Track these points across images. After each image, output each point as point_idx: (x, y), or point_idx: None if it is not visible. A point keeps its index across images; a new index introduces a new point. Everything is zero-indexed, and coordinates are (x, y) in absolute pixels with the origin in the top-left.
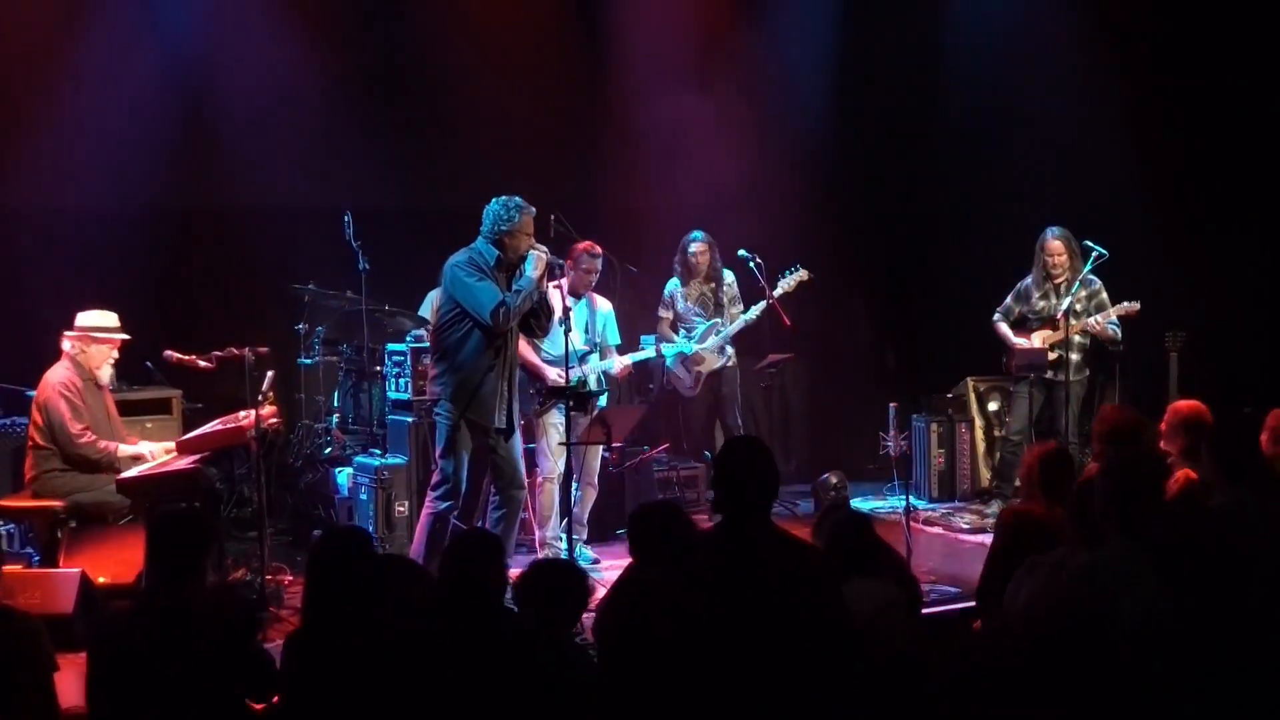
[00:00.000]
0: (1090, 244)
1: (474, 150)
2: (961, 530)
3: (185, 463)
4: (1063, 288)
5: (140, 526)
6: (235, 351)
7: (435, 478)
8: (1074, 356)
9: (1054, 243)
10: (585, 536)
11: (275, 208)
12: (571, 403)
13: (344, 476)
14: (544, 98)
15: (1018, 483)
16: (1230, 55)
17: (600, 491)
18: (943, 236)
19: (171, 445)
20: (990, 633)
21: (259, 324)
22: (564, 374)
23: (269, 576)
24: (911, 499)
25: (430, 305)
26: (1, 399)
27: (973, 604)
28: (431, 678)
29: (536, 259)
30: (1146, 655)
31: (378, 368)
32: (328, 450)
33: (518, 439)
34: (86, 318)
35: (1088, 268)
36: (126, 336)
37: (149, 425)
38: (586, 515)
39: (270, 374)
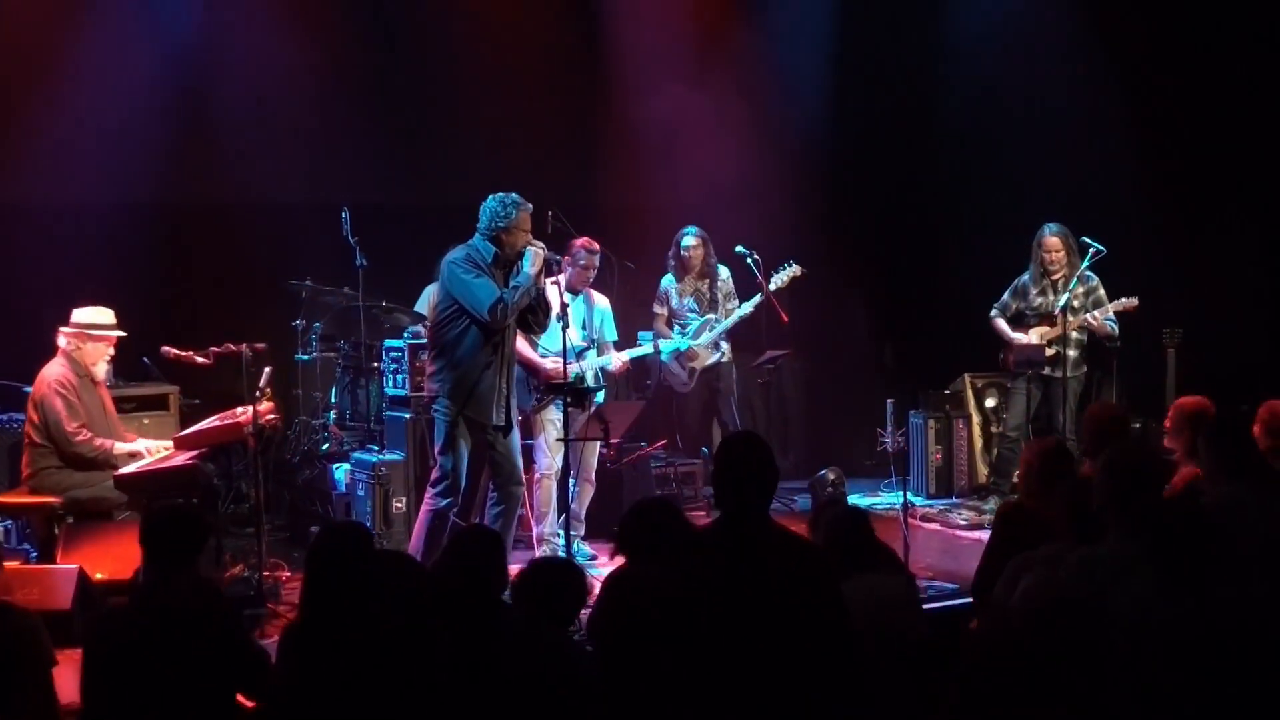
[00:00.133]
0: (1088, 240)
1: (472, 146)
2: (959, 526)
3: (183, 459)
4: (1060, 284)
5: (138, 522)
6: (232, 347)
7: (435, 474)
8: (1071, 353)
9: (1051, 239)
10: (583, 532)
11: (273, 204)
12: (569, 399)
13: (341, 472)
14: (542, 94)
15: (1015, 479)
16: (1229, 55)
17: (598, 487)
18: (940, 233)
19: (169, 442)
20: (986, 629)
21: (256, 320)
22: (561, 364)
23: (266, 572)
24: (909, 495)
25: (427, 301)
26: None
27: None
28: (428, 674)
29: (534, 255)
30: (1143, 651)
31: (375, 364)
32: (325, 446)
33: (516, 435)
34: (82, 314)
35: (1085, 264)
36: (122, 333)
37: (146, 421)
38: (584, 511)
39: (268, 370)
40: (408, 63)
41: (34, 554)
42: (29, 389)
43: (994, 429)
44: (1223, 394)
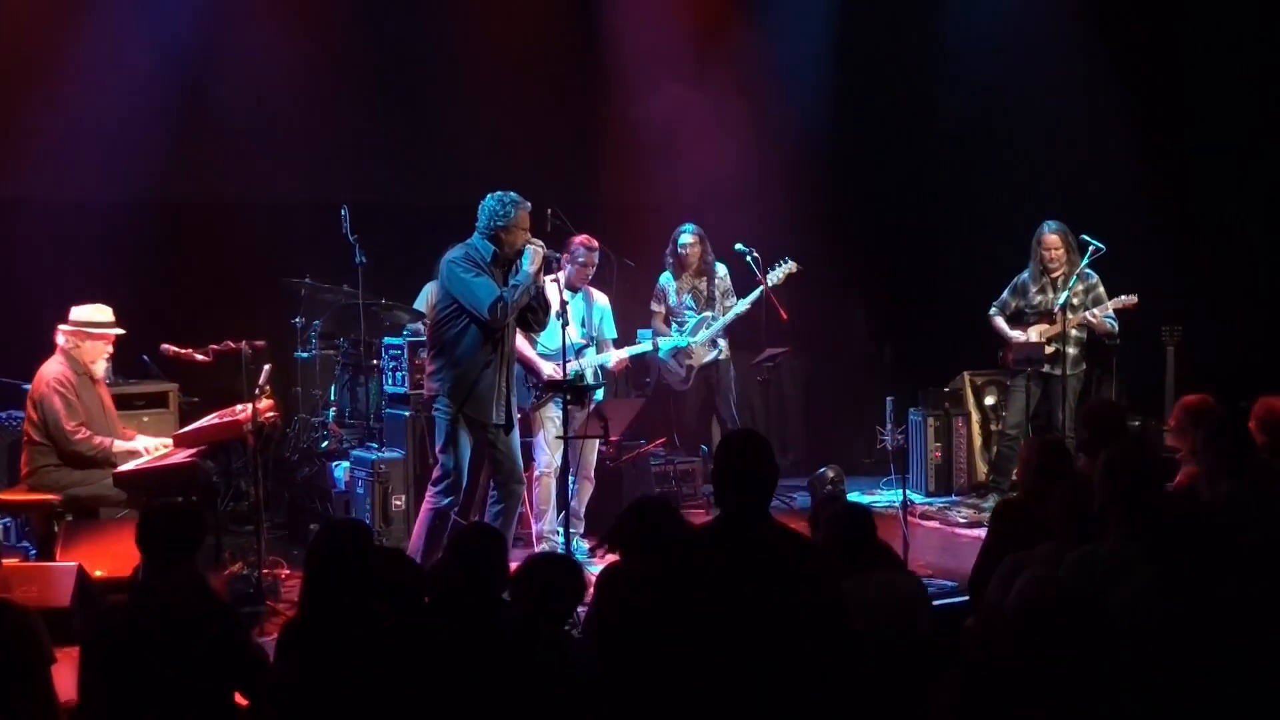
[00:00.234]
0: (1087, 238)
1: (471, 145)
2: (958, 524)
3: (182, 456)
4: (1059, 282)
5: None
6: (232, 345)
7: (435, 473)
8: (1071, 350)
9: (1051, 237)
10: (582, 530)
11: (272, 201)
12: (569, 396)
13: (341, 470)
14: (541, 92)
15: (1014, 476)
16: (1229, 54)
17: (597, 485)
18: (940, 231)
19: (168, 439)
20: (980, 628)
21: (255, 318)
22: (560, 368)
23: (265, 570)
24: (908, 493)
25: (426, 299)
26: None
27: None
28: (427, 672)
29: (533, 253)
30: (1143, 650)
31: (374, 361)
32: (325, 444)
33: (516, 433)
34: (81, 312)
35: (1085, 262)
36: (121, 331)
37: (145, 419)
38: (584, 508)
39: (267, 368)
40: (408, 62)
41: (33, 551)
42: (28, 387)
43: (993, 427)
44: (1222, 392)
